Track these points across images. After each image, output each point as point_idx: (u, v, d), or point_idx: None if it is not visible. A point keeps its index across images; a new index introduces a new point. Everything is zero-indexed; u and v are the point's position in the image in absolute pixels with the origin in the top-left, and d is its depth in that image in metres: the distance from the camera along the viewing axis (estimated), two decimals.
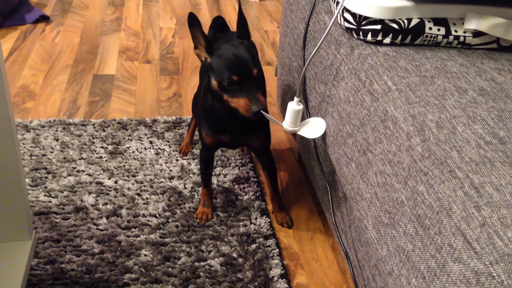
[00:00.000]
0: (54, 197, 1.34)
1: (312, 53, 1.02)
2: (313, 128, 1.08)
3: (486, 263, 0.59)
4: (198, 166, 1.47)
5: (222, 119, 1.16)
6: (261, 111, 1.05)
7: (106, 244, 1.22)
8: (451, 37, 0.95)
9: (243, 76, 1.04)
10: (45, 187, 1.37)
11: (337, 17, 1.05)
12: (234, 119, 1.13)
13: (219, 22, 1.43)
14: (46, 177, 1.41)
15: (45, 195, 1.35)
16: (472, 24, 0.93)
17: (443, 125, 0.75)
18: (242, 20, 1.12)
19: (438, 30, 0.95)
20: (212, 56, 1.08)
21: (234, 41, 1.10)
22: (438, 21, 0.95)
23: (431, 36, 0.95)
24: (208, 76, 1.11)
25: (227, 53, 1.06)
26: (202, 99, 1.20)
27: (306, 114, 1.19)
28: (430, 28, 0.94)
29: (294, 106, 1.04)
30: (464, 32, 0.95)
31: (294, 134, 1.54)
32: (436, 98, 0.80)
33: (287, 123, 1.07)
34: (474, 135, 0.72)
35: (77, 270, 1.15)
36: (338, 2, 1.01)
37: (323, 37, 0.98)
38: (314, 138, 1.17)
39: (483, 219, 0.62)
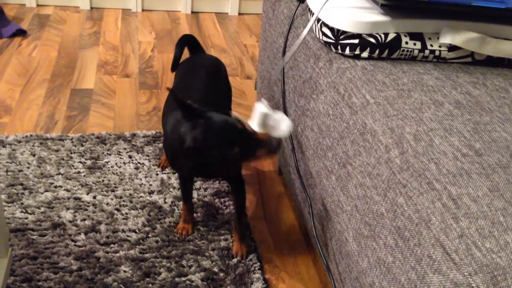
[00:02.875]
0: (30, 214, 1.32)
1: (288, 56, 1.03)
2: (278, 126, 1.07)
3: (465, 274, 0.59)
4: (178, 181, 1.46)
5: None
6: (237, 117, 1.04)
7: (85, 260, 1.20)
8: (427, 51, 0.97)
9: None
10: (22, 203, 1.35)
11: (314, 30, 1.06)
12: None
13: (187, 41, 1.42)
14: (23, 193, 1.38)
15: (22, 212, 1.32)
16: (447, 39, 0.95)
17: (421, 138, 0.76)
18: None
19: (414, 44, 0.96)
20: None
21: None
22: (414, 36, 0.97)
23: (407, 50, 0.97)
24: None
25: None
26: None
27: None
28: (407, 43, 0.96)
29: (262, 108, 1.04)
30: (440, 47, 0.97)
31: None
32: (414, 111, 0.82)
33: (254, 126, 1.05)
34: (451, 147, 0.73)
35: None
36: (314, 14, 1.03)
37: (299, 41, 0.99)
38: (295, 152, 1.17)
39: (461, 230, 0.63)
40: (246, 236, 1.31)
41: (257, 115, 1.03)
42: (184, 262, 1.21)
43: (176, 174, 1.50)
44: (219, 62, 1.42)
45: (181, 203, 1.36)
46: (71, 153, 1.56)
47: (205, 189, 1.46)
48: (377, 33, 0.96)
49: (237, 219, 1.26)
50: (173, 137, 1.05)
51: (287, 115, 1.19)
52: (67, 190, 1.41)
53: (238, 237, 1.27)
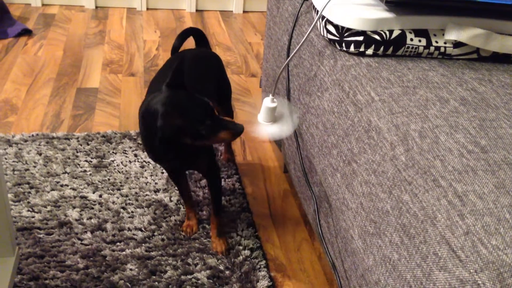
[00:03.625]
0: (37, 212, 1.32)
1: (291, 55, 1.03)
2: (283, 127, 1.10)
3: (471, 271, 0.59)
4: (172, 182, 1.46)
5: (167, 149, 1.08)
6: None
7: (91, 259, 1.20)
8: (432, 48, 0.96)
9: None
10: (28, 202, 1.35)
11: (319, 27, 1.06)
12: (179, 149, 1.07)
13: (190, 33, 1.38)
14: (29, 192, 1.39)
15: (28, 210, 1.33)
16: (452, 35, 0.95)
17: (426, 135, 0.76)
18: None
19: (419, 41, 0.96)
20: None
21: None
22: (419, 32, 0.97)
23: (412, 47, 0.96)
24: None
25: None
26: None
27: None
28: (411, 39, 0.96)
29: (268, 103, 1.05)
30: (445, 43, 0.97)
31: (280, 145, 1.54)
32: (419, 108, 0.81)
33: (261, 118, 1.08)
34: (456, 144, 0.73)
35: (62, 286, 1.13)
36: (318, 12, 1.02)
37: (302, 40, 0.99)
38: (300, 149, 1.17)
39: (467, 227, 0.62)
40: (224, 232, 1.30)
41: (263, 108, 1.06)
42: (190, 260, 1.22)
43: None
44: (213, 56, 1.37)
45: None
46: (77, 152, 1.56)
47: None
48: (382, 30, 0.95)
49: (214, 214, 1.26)
50: (148, 111, 1.03)
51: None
52: (73, 189, 1.41)
53: (216, 234, 1.26)
